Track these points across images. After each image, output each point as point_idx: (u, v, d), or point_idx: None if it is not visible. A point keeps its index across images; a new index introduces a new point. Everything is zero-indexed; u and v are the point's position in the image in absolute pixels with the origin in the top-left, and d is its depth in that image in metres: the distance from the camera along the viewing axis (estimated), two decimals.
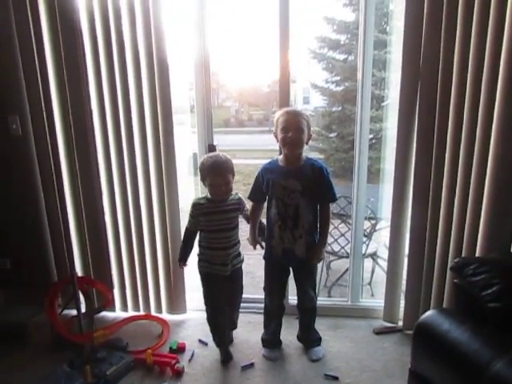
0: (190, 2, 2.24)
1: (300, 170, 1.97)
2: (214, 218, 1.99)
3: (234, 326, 2.31)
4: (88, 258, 2.46)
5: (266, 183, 2.01)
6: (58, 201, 2.36)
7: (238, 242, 2.11)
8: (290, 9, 2.18)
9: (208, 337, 2.23)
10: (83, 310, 2.20)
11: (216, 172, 1.93)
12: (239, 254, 2.13)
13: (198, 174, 2.04)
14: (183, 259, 2.13)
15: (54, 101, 2.24)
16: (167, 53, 2.16)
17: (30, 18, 2.13)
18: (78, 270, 2.44)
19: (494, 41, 1.82)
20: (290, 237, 1.99)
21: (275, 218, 2.00)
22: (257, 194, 2.08)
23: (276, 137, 2.00)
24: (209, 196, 2.01)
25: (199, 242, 2.09)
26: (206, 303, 2.12)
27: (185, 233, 2.11)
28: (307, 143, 1.96)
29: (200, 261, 2.08)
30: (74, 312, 2.19)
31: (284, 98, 2.30)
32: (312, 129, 2.00)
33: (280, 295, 2.18)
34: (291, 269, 2.12)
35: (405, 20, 1.98)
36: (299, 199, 1.95)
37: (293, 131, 1.89)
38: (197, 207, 2.01)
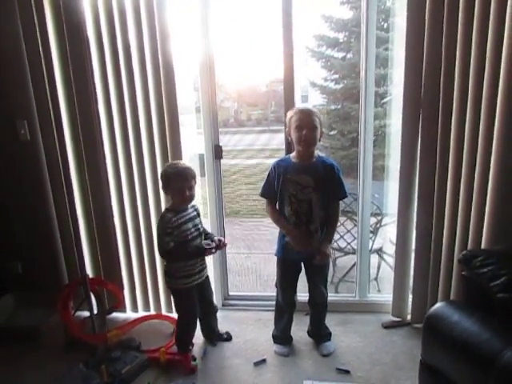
0: (194, 4, 2.26)
1: (312, 167, 2.00)
2: (186, 228, 2.00)
3: (216, 331, 2.34)
4: (98, 260, 2.48)
5: (278, 179, 2.02)
6: (67, 204, 2.37)
7: None
8: (292, 8, 2.21)
9: None
10: (95, 311, 2.22)
11: (181, 177, 1.96)
12: (206, 264, 2.16)
13: (160, 182, 2.05)
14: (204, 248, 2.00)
15: (61, 105, 2.27)
16: (172, 54, 2.19)
17: (37, 24, 2.15)
18: (89, 272, 2.46)
19: (496, 35, 1.85)
20: (305, 232, 2.01)
21: (289, 215, 2.02)
22: (270, 191, 2.07)
23: (289, 135, 2.03)
24: (173, 208, 2.01)
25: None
26: (185, 319, 2.13)
27: (172, 253, 1.98)
28: (320, 140, 1.99)
29: (178, 278, 2.04)
30: (85, 314, 2.22)
31: (289, 97, 2.32)
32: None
33: (292, 291, 2.20)
34: (303, 264, 2.14)
35: (407, 17, 2.01)
36: (312, 194, 1.98)
37: (307, 129, 1.92)
38: (171, 221, 1.95)
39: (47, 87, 2.23)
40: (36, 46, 2.18)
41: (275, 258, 2.18)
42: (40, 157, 2.34)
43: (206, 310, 2.23)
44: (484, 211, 2.03)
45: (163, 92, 2.24)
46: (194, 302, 2.11)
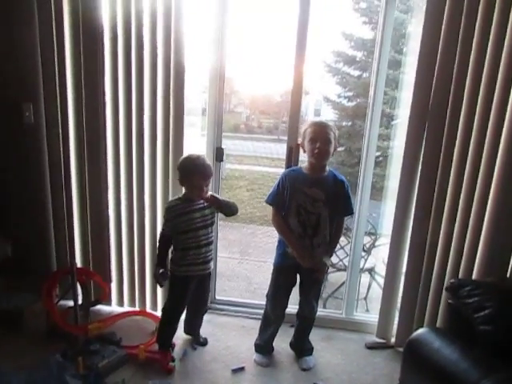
0: (211, 9, 2.29)
1: (324, 180, 2.00)
2: (192, 217, 2.02)
3: (196, 333, 2.34)
4: (88, 250, 2.48)
5: (288, 189, 2.00)
6: (64, 191, 2.39)
7: (213, 240, 2.15)
8: (309, 22, 2.22)
9: None
10: (80, 301, 2.22)
11: (203, 174, 1.98)
12: (212, 257, 2.17)
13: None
14: (163, 268, 2.07)
15: (69, 93, 2.28)
16: (184, 56, 2.20)
17: (53, 14, 2.18)
18: (78, 262, 2.47)
19: (507, 70, 1.86)
20: (308, 245, 2.00)
21: (294, 226, 2.00)
22: (278, 199, 2.02)
23: (303, 147, 2.03)
24: (182, 197, 2.06)
25: (175, 246, 2.10)
26: (172, 305, 2.13)
27: (160, 239, 2.11)
28: (333, 154, 1.99)
29: (180, 266, 2.07)
30: (70, 303, 2.22)
31: (295, 109, 2.32)
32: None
33: (284, 304, 2.16)
34: (299, 277, 2.12)
35: (421, 42, 2.02)
36: (322, 208, 1.97)
37: (321, 142, 1.93)
38: (172, 209, 2.03)
39: (56, 73, 2.25)
40: (50, 32, 2.20)
41: (266, 266, 2.17)
42: (41, 141, 2.34)
43: (197, 307, 2.23)
44: (478, 242, 2.02)
45: (171, 92, 2.25)
46: (187, 293, 2.10)
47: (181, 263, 2.07)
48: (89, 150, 2.34)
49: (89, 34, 2.20)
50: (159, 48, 2.21)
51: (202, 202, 2.05)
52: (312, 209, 1.97)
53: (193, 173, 1.98)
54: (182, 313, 2.17)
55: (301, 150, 2.13)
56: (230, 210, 2.10)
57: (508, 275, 1.99)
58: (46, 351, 2.07)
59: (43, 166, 2.37)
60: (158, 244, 2.14)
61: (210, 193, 2.04)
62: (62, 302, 2.27)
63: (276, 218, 2.06)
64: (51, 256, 2.49)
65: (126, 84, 2.27)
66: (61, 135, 2.33)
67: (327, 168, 2.03)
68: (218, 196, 2.06)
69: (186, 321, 2.30)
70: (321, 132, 1.94)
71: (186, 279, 2.08)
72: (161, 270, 2.06)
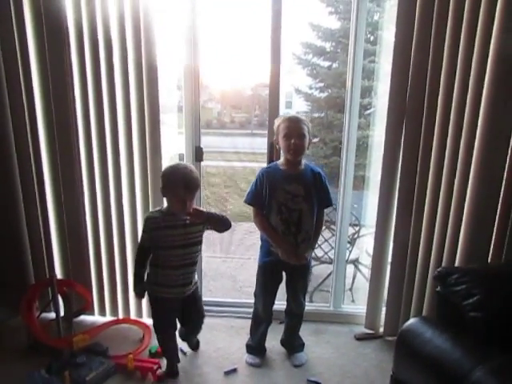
0: (182, 4, 2.22)
1: (302, 175, 1.98)
2: (171, 233, 1.84)
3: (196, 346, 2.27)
4: (68, 260, 2.38)
5: (266, 187, 1.96)
6: (38, 200, 2.28)
7: (197, 260, 1.99)
8: (282, 14, 2.20)
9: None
10: (62, 313, 2.13)
11: (186, 187, 1.78)
12: (193, 279, 2.00)
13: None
14: (141, 287, 1.93)
15: (36, 99, 2.16)
16: (156, 53, 2.12)
17: (14, 18, 2.05)
18: (57, 272, 2.37)
19: (481, 52, 1.89)
20: (292, 242, 1.98)
21: (277, 224, 1.97)
22: (258, 198, 1.98)
23: (277, 143, 2.00)
24: (164, 209, 1.88)
25: (151, 261, 1.92)
26: (157, 329, 2.00)
27: (137, 251, 1.96)
28: (308, 148, 1.97)
29: (152, 284, 1.92)
30: (51, 315, 2.12)
31: (274, 104, 2.31)
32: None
33: (272, 301, 2.14)
34: (285, 274, 2.10)
35: (396, 31, 2.02)
36: (302, 204, 1.95)
37: (295, 138, 1.90)
38: (150, 221, 1.86)
39: (22, 81, 2.12)
40: (12, 41, 2.07)
41: (250, 263, 2.14)
42: (10, 152, 2.20)
43: (190, 326, 2.14)
44: (460, 229, 2.06)
45: (145, 91, 2.17)
46: (168, 315, 1.97)
47: (153, 281, 1.91)
48: (62, 156, 2.23)
49: (54, 36, 2.08)
50: (129, 46, 2.12)
51: (186, 217, 1.85)
52: (293, 205, 1.95)
53: (176, 184, 1.77)
54: (173, 329, 2.04)
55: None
56: (221, 223, 1.91)
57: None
58: (28, 367, 1.99)
59: (13, 175, 2.23)
60: (135, 257, 1.97)
61: (193, 206, 1.84)
62: (43, 315, 2.17)
63: (258, 217, 2.02)
64: (28, 268, 2.36)
65: (95, 85, 2.17)
66: (31, 143, 2.20)
67: (303, 162, 2.02)
68: (202, 209, 1.88)
69: (181, 331, 2.18)
70: (294, 127, 1.92)
71: (162, 300, 1.92)
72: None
